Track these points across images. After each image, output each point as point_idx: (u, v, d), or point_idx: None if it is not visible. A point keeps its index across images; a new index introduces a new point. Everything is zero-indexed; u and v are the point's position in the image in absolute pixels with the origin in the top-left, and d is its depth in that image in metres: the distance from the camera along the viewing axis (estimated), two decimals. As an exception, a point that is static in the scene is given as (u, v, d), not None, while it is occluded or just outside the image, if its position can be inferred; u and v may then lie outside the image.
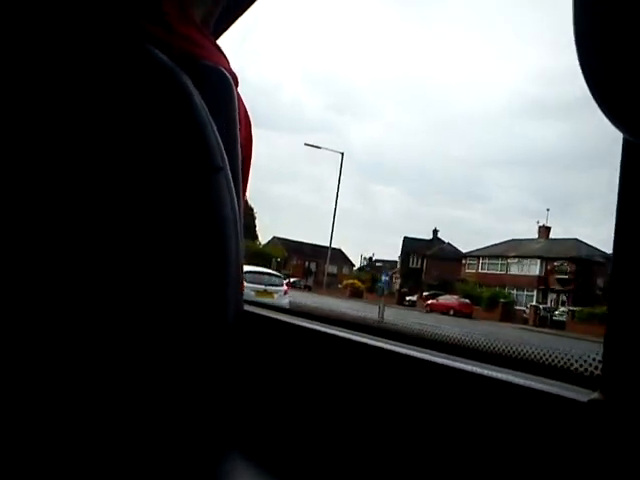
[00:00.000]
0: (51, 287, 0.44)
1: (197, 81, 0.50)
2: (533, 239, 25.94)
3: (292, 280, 32.99)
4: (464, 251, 28.73)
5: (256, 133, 0.66)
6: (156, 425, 0.47)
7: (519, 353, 0.51)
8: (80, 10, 0.50)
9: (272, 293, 7.16)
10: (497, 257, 25.32)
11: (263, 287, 6.86)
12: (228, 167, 0.51)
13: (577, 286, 21.15)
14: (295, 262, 42.10)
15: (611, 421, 0.35)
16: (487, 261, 26.04)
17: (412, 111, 56.78)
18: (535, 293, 22.36)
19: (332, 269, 41.48)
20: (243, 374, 0.65)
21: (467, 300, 20.46)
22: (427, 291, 25.14)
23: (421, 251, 31.33)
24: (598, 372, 0.39)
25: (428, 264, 29.63)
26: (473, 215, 50.01)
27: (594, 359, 0.41)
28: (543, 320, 17.65)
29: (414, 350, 0.50)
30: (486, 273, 25.29)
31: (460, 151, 49.72)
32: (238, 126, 0.59)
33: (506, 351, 0.52)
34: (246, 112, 0.63)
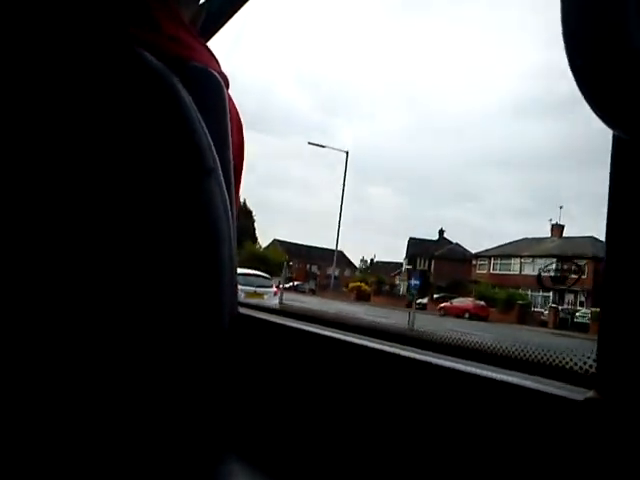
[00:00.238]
0: (42, 291, 0.45)
1: (187, 83, 0.51)
2: (546, 238, 25.23)
3: (295, 284, 32.26)
4: (473, 251, 27.90)
5: (247, 135, 0.66)
6: (152, 428, 0.48)
7: (515, 353, 0.52)
8: (69, 14, 0.51)
9: (262, 294, 7.45)
10: (510, 257, 24.53)
11: (253, 289, 7.14)
12: (220, 169, 0.51)
13: (596, 286, 20.37)
14: (298, 265, 41.45)
15: (606, 419, 0.36)
16: (499, 261, 25.32)
17: (405, 112, 57.64)
18: (551, 294, 21.55)
19: (334, 271, 40.75)
20: (238, 377, 0.65)
21: (482, 302, 19.67)
22: (436, 293, 24.34)
23: (428, 252, 30.54)
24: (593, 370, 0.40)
25: (436, 265, 28.83)
26: (466, 215, 50.80)
27: (588, 357, 0.42)
28: (564, 322, 16.92)
29: (410, 351, 0.51)
30: (498, 274, 24.54)
31: (454, 151, 50.42)
32: (229, 128, 0.59)
33: (504, 351, 0.53)
34: (237, 114, 0.64)
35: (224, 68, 0.61)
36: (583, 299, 20.52)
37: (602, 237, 0.38)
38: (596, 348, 0.38)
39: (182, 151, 0.49)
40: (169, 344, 0.48)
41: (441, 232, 33.94)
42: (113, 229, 0.46)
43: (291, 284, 32.11)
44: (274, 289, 8.56)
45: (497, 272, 24.96)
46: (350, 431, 0.53)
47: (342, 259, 41.99)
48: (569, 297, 20.83)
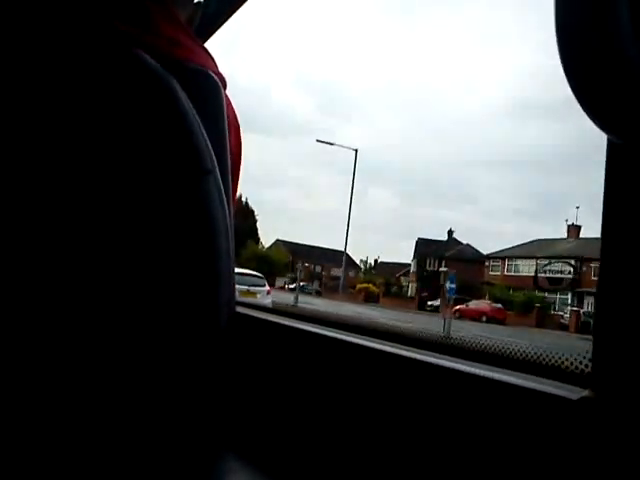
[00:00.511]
0: (38, 287, 0.46)
1: (185, 84, 0.52)
2: (563, 239, 24.94)
3: (300, 284, 31.80)
4: (485, 252, 27.55)
5: (244, 136, 0.67)
6: (150, 426, 0.49)
7: (510, 352, 0.52)
8: (67, 15, 0.52)
9: (255, 293, 7.81)
10: (525, 258, 24.16)
11: (246, 287, 7.37)
12: (217, 170, 0.53)
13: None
14: (301, 266, 41.07)
15: (601, 418, 0.36)
16: (513, 262, 24.88)
17: (403, 113, 58.37)
18: (570, 296, 21.20)
19: (338, 272, 40.71)
20: (236, 375, 0.67)
21: (499, 305, 19.25)
22: (444, 294, 23.92)
23: (437, 253, 30.20)
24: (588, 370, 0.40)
25: (446, 266, 28.44)
26: (463, 216, 51.40)
27: (584, 357, 0.42)
28: (586, 326, 16.51)
29: (405, 350, 0.52)
30: (513, 275, 24.15)
31: (450, 153, 51.08)
32: (227, 128, 0.60)
33: (498, 350, 0.54)
34: (235, 114, 0.65)
35: (221, 69, 0.62)
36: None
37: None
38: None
39: (180, 152, 0.50)
40: (166, 341, 0.49)
41: (450, 232, 33.67)
42: (111, 228, 0.48)
43: (296, 284, 31.67)
44: (267, 288, 8.87)
45: (512, 274, 24.60)
46: (347, 429, 0.54)
47: (346, 260, 41.89)
48: (589, 299, 20.49)
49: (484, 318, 18.25)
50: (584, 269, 21.21)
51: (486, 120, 52.63)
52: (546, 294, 21.56)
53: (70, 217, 0.47)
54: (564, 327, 17.31)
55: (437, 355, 0.50)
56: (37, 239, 0.46)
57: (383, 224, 54.68)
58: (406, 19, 61.68)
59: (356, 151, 24.32)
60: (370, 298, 26.24)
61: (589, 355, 0.39)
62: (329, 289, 30.98)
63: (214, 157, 0.52)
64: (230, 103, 0.62)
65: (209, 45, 0.73)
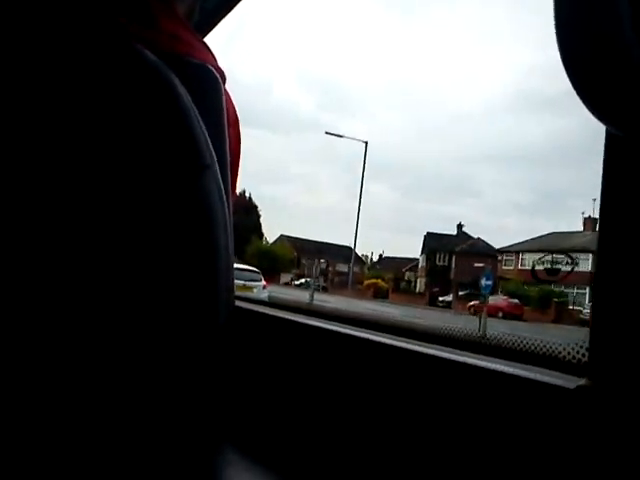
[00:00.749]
0: (37, 284, 0.47)
1: (184, 79, 0.53)
2: (578, 232, 24.69)
3: (306, 280, 31.86)
4: (497, 247, 27.38)
5: (244, 132, 0.68)
6: (150, 420, 0.50)
7: (508, 342, 0.54)
8: (66, 9, 0.52)
9: (251, 287, 8.19)
10: (540, 252, 23.96)
11: (242, 282, 7.60)
12: (217, 165, 0.54)
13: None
14: (305, 261, 41.14)
15: (598, 407, 0.38)
16: (527, 257, 24.68)
17: (403, 109, 59.16)
18: (587, 290, 21.03)
19: (343, 268, 40.71)
20: (236, 369, 0.68)
21: (516, 300, 19.10)
22: (456, 290, 23.84)
23: (446, 247, 30.05)
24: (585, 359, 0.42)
25: (457, 261, 28.34)
26: (464, 211, 52.00)
27: (581, 346, 0.44)
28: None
29: (404, 342, 0.53)
30: (527, 269, 23.91)
31: (451, 148, 51.92)
32: (226, 123, 0.61)
33: (496, 341, 0.55)
34: (234, 109, 0.66)
35: (221, 64, 0.63)
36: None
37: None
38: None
39: (179, 147, 0.51)
40: (165, 336, 0.50)
41: (460, 226, 33.44)
42: (109, 223, 0.48)
43: (302, 280, 31.75)
44: (263, 283, 9.25)
45: (526, 268, 24.40)
46: (347, 423, 0.55)
47: (350, 255, 41.89)
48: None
49: (500, 314, 18.10)
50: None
51: (486, 115, 53.53)
52: (563, 288, 21.39)
53: (67, 212, 0.47)
54: (584, 323, 17.15)
55: (436, 347, 0.51)
56: (34, 234, 0.47)
57: (384, 219, 55.08)
58: (406, 15, 62.57)
59: (366, 143, 24.25)
60: (379, 294, 26.22)
61: (586, 344, 0.40)
62: (335, 285, 31.00)
63: (213, 152, 0.53)
64: (230, 98, 0.63)
65: (209, 40, 0.74)
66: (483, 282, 15.92)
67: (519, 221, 50.32)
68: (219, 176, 0.53)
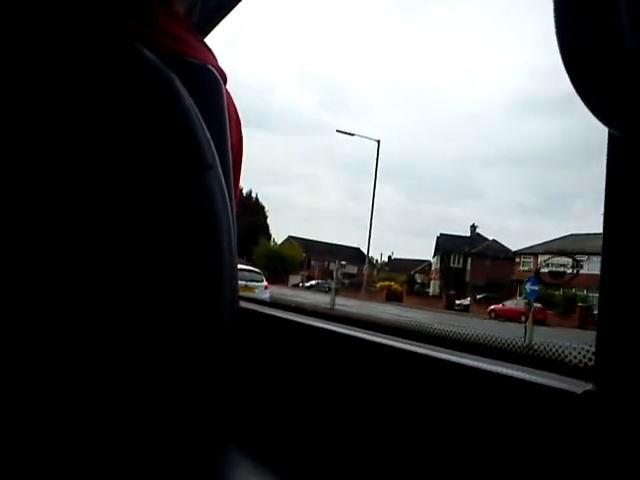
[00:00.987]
0: (41, 286, 0.48)
1: (185, 79, 0.53)
2: (598, 234, 24.02)
3: (317, 282, 31.84)
4: (514, 249, 27.08)
5: (245, 133, 0.69)
6: (154, 420, 0.52)
7: (515, 346, 0.54)
8: (67, 9, 0.53)
9: (253, 288, 8.47)
10: (560, 255, 23.62)
11: (244, 283, 7.89)
12: (219, 165, 0.54)
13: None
14: (314, 263, 41.13)
15: (605, 412, 0.38)
16: (546, 258, 24.37)
17: (405, 110, 59.84)
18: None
19: (352, 269, 40.64)
20: (240, 370, 0.69)
21: (539, 304, 18.86)
22: (471, 293, 23.62)
23: (461, 249, 29.82)
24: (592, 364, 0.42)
25: (472, 263, 28.11)
26: (468, 212, 52.34)
27: (587, 351, 0.44)
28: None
29: (410, 344, 0.53)
30: (562, 272, 23.56)
31: (454, 149, 52.70)
32: (228, 124, 0.62)
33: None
34: (236, 109, 0.67)
35: (222, 64, 0.64)
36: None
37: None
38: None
39: (180, 147, 0.52)
40: (169, 336, 0.51)
41: (473, 228, 33.19)
42: (112, 224, 0.49)
43: (313, 282, 31.75)
44: (265, 283, 9.58)
45: (545, 270, 24.10)
46: (350, 424, 0.56)
47: (359, 256, 41.83)
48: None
49: (523, 318, 17.84)
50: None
51: (489, 116, 53.57)
52: (585, 292, 21.07)
53: (70, 213, 0.48)
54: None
55: (441, 349, 0.52)
56: (37, 234, 0.48)
57: (388, 220, 55.28)
58: (408, 14, 62.72)
59: (378, 142, 24.16)
60: (392, 296, 26.10)
61: (592, 349, 0.41)
62: (346, 287, 30.95)
63: (215, 152, 0.54)
64: (231, 98, 0.64)
65: (210, 40, 0.75)
66: (528, 287, 15.54)
67: (525, 223, 50.29)
68: (221, 176, 0.54)
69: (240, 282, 0.64)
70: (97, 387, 0.49)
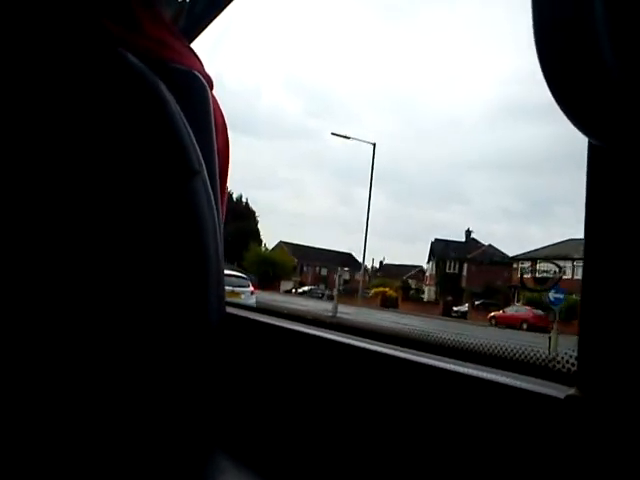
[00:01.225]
0: (26, 287, 0.49)
1: (171, 85, 0.54)
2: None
3: (309, 288, 31.80)
4: (510, 254, 27.29)
5: (231, 138, 0.70)
6: (141, 425, 0.52)
7: (499, 351, 0.56)
8: (50, 14, 0.54)
9: (239, 293, 8.59)
10: (559, 260, 23.82)
11: (231, 288, 7.93)
12: (205, 171, 0.55)
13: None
14: (306, 268, 41.18)
15: (588, 416, 0.39)
16: (545, 265, 24.55)
17: (391, 116, 61.45)
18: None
19: (344, 275, 40.64)
20: (227, 375, 0.69)
21: (540, 311, 18.97)
22: (468, 299, 23.76)
23: (456, 254, 30.02)
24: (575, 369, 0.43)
25: (468, 269, 28.28)
26: (455, 217, 53.96)
27: (570, 356, 0.45)
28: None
29: (396, 350, 0.54)
30: (546, 278, 23.76)
31: (441, 154, 53.96)
32: (214, 129, 0.63)
33: (485, 349, 0.56)
34: (222, 115, 0.68)
35: (208, 69, 0.65)
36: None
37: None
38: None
39: (167, 153, 0.53)
40: (156, 342, 0.52)
41: (468, 233, 33.41)
42: (97, 229, 0.50)
43: (305, 288, 31.65)
44: (251, 288, 9.75)
45: (544, 276, 24.28)
46: (338, 429, 0.57)
47: (352, 262, 41.92)
48: None
49: (525, 325, 17.91)
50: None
51: (475, 122, 55.33)
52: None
53: (56, 218, 0.49)
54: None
55: (425, 354, 0.53)
56: (22, 238, 0.49)
57: (375, 225, 55.99)
58: (394, 21, 64.02)
59: (374, 145, 24.24)
60: (387, 303, 26.13)
61: (575, 354, 0.42)
62: (340, 293, 30.90)
63: (201, 158, 0.55)
64: (217, 103, 0.66)
65: (196, 45, 0.76)
66: (551, 295, 15.28)
67: (511, 228, 51.10)
68: (208, 182, 0.55)
69: (226, 288, 0.65)
70: (83, 391, 0.50)
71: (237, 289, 8.66)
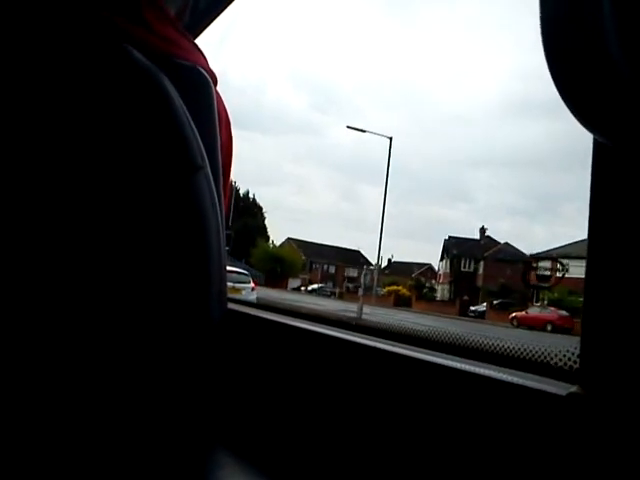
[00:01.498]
0: (27, 283, 0.50)
1: (175, 81, 0.55)
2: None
3: (318, 286, 31.53)
4: (528, 253, 26.92)
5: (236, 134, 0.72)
6: (142, 421, 0.53)
7: (501, 349, 0.56)
8: (58, 9, 0.55)
9: (240, 290, 8.65)
10: (581, 259, 23.42)
11: (232, 284, 8.06)
12: (209, 166, 0.56)
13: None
14: (315, 266, 40.99)
15: (589, 414, 0.40)
16: (567, 263, 24.17)
17: (396, 110, 60.32)
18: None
19: (352, 272, 40.46)
20: (228, 371, 0.71)
21: (564, 312, 18.61)
22: (487, 299, 23.42)
23: (472, 252, 29.67)
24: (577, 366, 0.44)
25: (485, 267, 27.91)
26: (459, 215, 53.41)
27: (573, 353, 0.46)
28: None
29: (397, 347, 0.55)
30: (569, 277, 23.38)
31: (445, 151, 53.25)
32: (218, 125, 0.64)
33: (488, 347, 0.57)
34: (226, 111, 0.68)
35: (212, 65, 0.66)
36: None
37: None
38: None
39: (170, 148, 0.53)
40: (158, 338, 0.53)
41: (483, 230, 33.03)
42: (101, 225, 0.51)
43: (315, 286, 31.38)
44: (252, 285, 9.87)
45: (568, 275, 23.87)
46: (338, 426, 0.58)
47: (359, 259, 41.61)
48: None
49: (549, 327, 17.48)
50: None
51: (480, 118, 54.53)
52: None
53: (59, 213, 0.49)
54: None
55: (427, 351, 0.54)
56: (24, 234, 0.49)
57: (378, 222, 56.08)
58: (399, 16, 64.01)
59: (390, 139, 23.83)
60: (400, 301, 25.81)
61: (577, 351, 0.42)
62: (350, 291, 30.62)
63: (205, 153, 0.55)
64: (221, 99, 0.66)
65: (200, 41, 0.77)
66: None
67: (516, 224, 51.20)
68: (211, 177, 0.56)
69: (227, 284, 0.64)
70: (84, 387, 0.50)
71: (238, 285, 8.72)
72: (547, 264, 21.47)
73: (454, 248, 30.93)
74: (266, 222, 43.18)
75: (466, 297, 24.94)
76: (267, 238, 41.24)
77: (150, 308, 0.52)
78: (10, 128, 0.49)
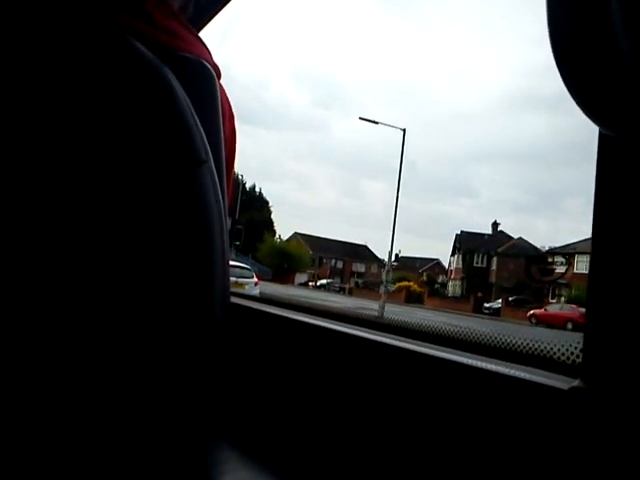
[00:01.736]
0: (32, 281, 0.50)
1: (179, 74, 0.56)
2: None
3: (327, 281, 31.31)
4: (541, 247, 26.46)
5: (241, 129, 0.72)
6: (144, 416, 0.54)
7: (503, 343, 0.57)
8: (60, 4, 0.56)
9: (243, 284, 8.78)
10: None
11: (235, 279, 8.03)
12: (212, 160, 0.57)
13: None
14: (323, 260, 40.78)
15: (591, 408, 0.40)
16: (585, 259, 23.70)
17: (399, 106, 61.56)
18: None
19: (360, 268, 40.20)
20: (231, 365, 0.71)
21: (583, 309, 18.17)
22: (501, 295, 23.06)
23: (485, 247, 29.25)
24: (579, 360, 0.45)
25: (498, 263, 27.48)
26: (462, 210, 54.92)
27: (575, 348, 0.47)
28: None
29: (399, 340, 0.56)
30: (584, 273, 22.92)
31: (448, 147, 54.44)
32: (221, 119, 0.64)
33: (491, 341, 0.57)
34: (229, 105, 0.69)
35: (216, 59, 0.67)
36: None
37: None
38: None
39: (174, 142, 0.54)
40: (160, 332, 0.53)
41: (495, 225, 32.55)
42: (104, 219, 0.51)
43: (324, 282, 31.17)
44: (255, 279, 10.01)
45: (583, 271, 23.41)
46: (342, 420, 0.59)
47: (367, 254, 41.32)
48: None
49: (570, 325, 17.05)
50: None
51: (483, 114, 55.59)
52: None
53: (62, 208, 0.50)
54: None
55: (430, 345, 0.54)
56: (25, 230, 0.49)
57: (382, 217, 55.70)
58: (401, 12, 62.91)
59: (404, 131, 23.42)
60: (412, 298, 25.53)
61: (580, 346, 0.43)
62: (359, 287, 30.36)
63: (208, 147, 0.55)
64: (224, 93, 0.66)
65: (203, 35, 0.78)
66: None
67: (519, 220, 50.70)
68: (214, 171, 0.56)
69: (230, 278, 0.63)
70: (86, 382, 0.50)
71: (241, 280, 8.83)
72: (563, 260, 21.15)
73: (466, 243, 30.53)
74: (272, 216, 42.98)
75: (480, 294, 24.57)
76: (274, 233, 41.07)
77: (153, 302, 0.52)
78: (13, 121, 0.50)
